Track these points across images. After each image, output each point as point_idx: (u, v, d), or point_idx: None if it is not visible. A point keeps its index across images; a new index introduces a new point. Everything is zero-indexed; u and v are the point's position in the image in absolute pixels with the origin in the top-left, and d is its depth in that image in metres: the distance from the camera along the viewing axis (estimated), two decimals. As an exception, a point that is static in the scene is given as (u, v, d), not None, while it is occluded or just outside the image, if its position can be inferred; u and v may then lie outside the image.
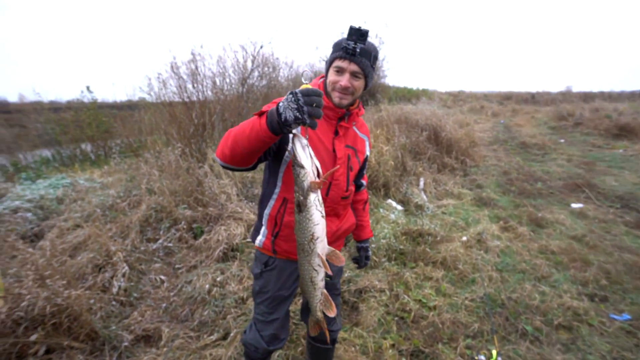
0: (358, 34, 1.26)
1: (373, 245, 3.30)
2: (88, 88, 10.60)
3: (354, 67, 1.31)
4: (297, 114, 0.94)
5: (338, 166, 1.14)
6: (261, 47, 8.31)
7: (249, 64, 9.32)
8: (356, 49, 1.28)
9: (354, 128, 1.52)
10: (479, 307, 2.65)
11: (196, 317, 2.55)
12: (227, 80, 9.46)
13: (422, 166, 6.02)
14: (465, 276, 3.07)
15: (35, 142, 10.81)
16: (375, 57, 1.37)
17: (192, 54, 7.37)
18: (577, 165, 7.40)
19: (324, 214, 1.10)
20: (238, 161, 1.14)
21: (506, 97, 31.29)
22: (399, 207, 4.60)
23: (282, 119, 0.96)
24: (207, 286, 2.80)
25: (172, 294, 2.85)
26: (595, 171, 6.84)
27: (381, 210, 4.35)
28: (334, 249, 1.18)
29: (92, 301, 2.49)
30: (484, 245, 3.68)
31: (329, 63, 1.40)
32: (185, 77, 7.86)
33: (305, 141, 1.03)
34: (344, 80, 1.33)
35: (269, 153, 1.28)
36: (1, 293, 1.88)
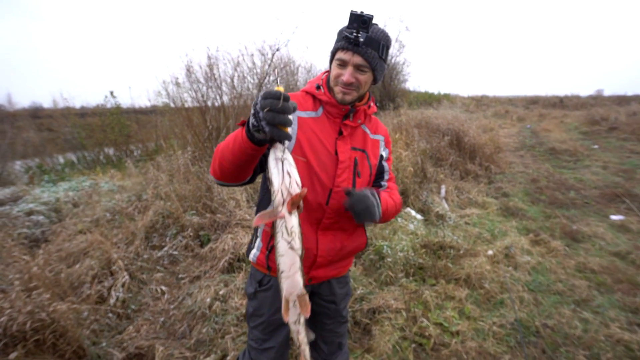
0: (359, 21, 1.08)
1: (389, 260, 3.03)
2: (112, 93, 10.81)
3: (357, 59, 1.13)
4: (254, 120, 0.86)
5: (305, 189, 0.90)
6: (277, 49, 8.21)
7: (266, 68, 9.24)
8: (359, 38, 1.09)
9: (364, 128, 1.30)
10: (509, 334, 2.33)
11: (194, 334, 2.36)
12: (245, 84, 9.42)
13: (444, 173, 5.69)
14: (493, 297, 2.75)
15: (62, 145, 11.14)
16: (386, 47, 1.17)
17: (208, 57, 7.32)
18: (615, 173, 6.84)
19: (295, 246, 0.89)
20: (229, 177, 1.07)
21: (532, 101, 30.15)
22: (419, 217, 4.30)
23: (247, 128, 0.89)
24: (208, 300, 2.60)
25: (172, 306, 2.67)
26: (635, 180, 6.28)
27: (399, 219, 4.06)
28: (303, 293, 0.93)
29: (85, 314, 2.35)
30: (513, 260, 3.34)
31: (332, 54, 1.21)
32: (202, 80, 7.84)
33: (280, 153, 0.88)
34: (347, 74, 1.15)
35: (265, 163, 1.07)
36: (-20, 307, 1.74)
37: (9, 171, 8.45)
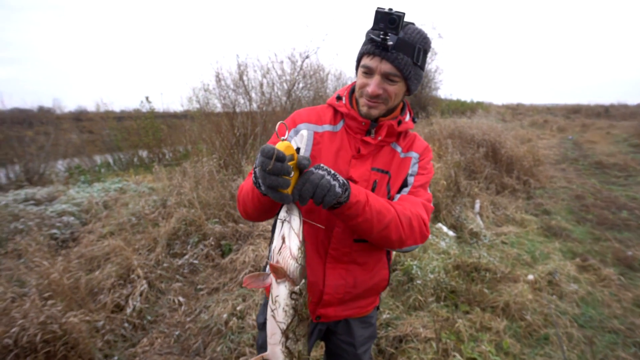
0: (387, 20, 0.90)
1: (418, 282, 2.79)
2: (147, 98, 11.21)
3: (386, 66, 0.96)
4: (253, 178, 0.88)
5: (296, 285, 0.81)
6: (307, 57, 8.17)
7: (295, 75, 9.24)
8: (387, 41, 0.92)
9: (395, 147, 1.12)
10: (557, 378, 2.05)
11: (208, 352, 2.24)
12: (274, 91, 9.46)
13: (478, 186, 5.35)
14: (535, 330, 2.45)
15: (100, 147, 11.67)
16: (422, 51, 0.99)
17: (238, 64, 7.39)
18: (673, 191, 6.18)
19: (277, 317, 0.82)
20: (256, 217, 1.04)
21: (573, 111, 28.46)
22: (451, 233, 4.02)
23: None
24: (225, 315, 2.49)
25: (188, 319, 2.59)
26: (699, 200, 5.63)
27: (429, 235, 3.80)
28: None
29: (101, 323, 2.30)
30: (558, 289, 3.00)
31: (357, 60, 1.05)
32: (232, 86, 7.93)
33: (283, 213, 0.84)
34: (373, 84, 0.99)
35: None
36: (-8, 316, 1.71)
37: (50, 170, 8.90)
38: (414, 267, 2.95)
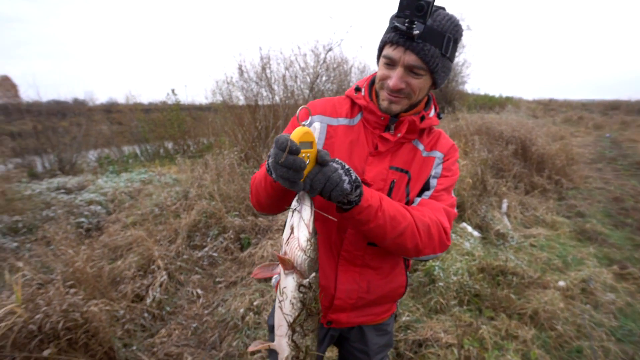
0: (413, 6, 0.81)
1: (440, 284, 2.68)
2: (173, 91, 11.44)
3: (410, 57, 0.88)
4: (267, 166, 0.87)
5: (306, 278, 0.79)
6: (330, 49, 8.06)
7: (318, 68, 9.15)
8: (412, 30, 0.84)
9: (417, 144, 1.03)
10: (591, 394, 1.91)
11: (224, 346, 2.24)
12: (297, 84, 9.42)
13: (506, 185, 5.11)
14: (567, 342, 2.30)
15: (129, 138, 12.06)
16: (452, 41, 0.90)
17: (261, 56, 7.38)
18: None
19: (284, 309, 0.80)
20: (268, 209, 1.00)
21: (611, 107, 26.82)
22: (476, 234, 3.85)
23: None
24: (242, 310, 2.48)
25: (206, 312, 2.60)
26: None
27: (453, 236, 3.67)
28: None
29: (121, 312, 2.35)
30: (592, 298, 2.81)
31: (379, 49, 0.96)
32: (255, 79, 7.95)
33: (295, 202, 0.81)
34: (395, 77, 0.90)
35: None
36: (18, 302, 1.75)
37: (82, 160, 9.26)
38: (436, 268, 2.84)
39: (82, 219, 3.96)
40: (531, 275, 2.99)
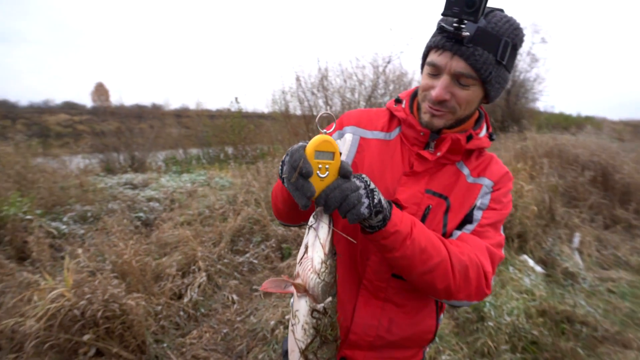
0: (464, 3, 0.69)
1: (490, 324, 2.38)
2: (236, 99, 12.13)
3: (458, 63, 0.75)
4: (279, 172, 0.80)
5: (320, 304, 0.72)
6: (389, 62, 7.93)
7: (376, 79, 9.05)
8: (461, 31, 0.72)
9: (461, 167, 0.89)
10: None
11: (250, 357, 2.20)
12: (354, 96, 9.42)
13: (580, 217, 4.49)
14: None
15: (194, 141, 13.01)
16: (510, 46, 0.76)
17: (319, 68, 7.50)
18: None
19: (296, 334, 0.72)
20: (287, 219, 0.95)
21: None
22: (538, 269, 3.41)
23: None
24: (272, 322, 2.43)
25: (238, 318, 2.60)
26: None
27: (510, 268, 3.29)
28: None
29: (159, 307, 2.43)
30: (690, 365, 2.29)
31: (423, 56, 0.85)
32: (312, 90, 8.10)
33: (312, 219, 0.74)
34: (438, 87, 0.78)
35: None
36: (67, 286, 1.88)
37: (151, 160, 10.15)
38: (487, 304, 2.53)
39: (141, 214, 4.27)
40: (607, 328, 2.53)
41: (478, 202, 0.88)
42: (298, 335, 0.72)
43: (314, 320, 0.71)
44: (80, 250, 2.52)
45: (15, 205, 3.13)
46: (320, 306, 0.71)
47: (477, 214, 0.87)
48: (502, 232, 0.90)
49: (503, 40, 0.74)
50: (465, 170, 0.89)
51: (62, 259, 2.66)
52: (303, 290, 0.71)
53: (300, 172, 0.63)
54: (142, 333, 2.05)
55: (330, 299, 0.73)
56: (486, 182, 0.88)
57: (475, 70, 0.75)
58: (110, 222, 3.03)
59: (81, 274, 2.11)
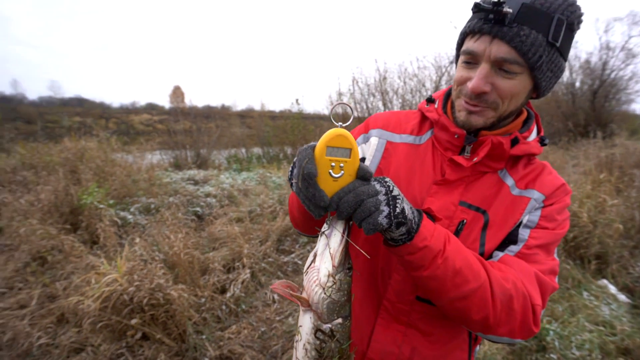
0: None
1: (553, 356, 2.07)
2: (297, 100, 12.47)
3: (499, 47, 0.63)
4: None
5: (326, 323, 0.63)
6: (452, 62, 7.50)
7: (439, 81, 8.63)
8: (502, 7, 0.60)
9: (503, 176, 0.76)
10: None
11: (284, 358, 2.18)
12: (415, 98, 9.09)
13: (682, 240, 3.76)
14: None
15: (256, 141, 13.66)
16: (565, 26, 0.63)
17: (377, 69, 7.38)
18: None
19: (297, 352, 0.65)
20: (303, 228, 0.87)
21: None
22: (622, 298, 2.91)
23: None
24: (308, 325, 2.39)
25: (277, 318, 2.60)
26: None
27: (584, 294, 2.85)
28: None
29: (203, 300, 2.53)
30: None
31: (458, 46, 0.74)
32: (372, 91, 7.97)
33: (325, 225, 0.65)
34: (476, 77, 0.66)
35: None
36: (120, 272, 2.03)
37: (214, 157, 10.84)
38: (551, 332, 2.21)
39: (197, 209, 4.53)
40: None
41: (525, 219, 0.73)
42: (299, 355, 0.65)
43: (317, 342, 0.63)
44: (137, 240, 2.72)
45: (93, 195, 3.51)
46: (326, 327, 0.63)
47: (524, 233, 0.72)
48: (555, 256, 0.74)
49: (556, 17, 0.60)
50: (510, 181, 0.75)
51: (124, 246, 2.91)
52: (306, 304, 0.64)
53: (303, 176, 0.57)
54: (184, 323, 2.14)
55: (339, 320, 0.64)
56: (536, 195, 0.73)
57: (521, 54, 0.62)
58: (165, 215, 3.25)
59: (134, 261, 2.27)
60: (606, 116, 10.77)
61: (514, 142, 0.72)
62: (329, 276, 0.62)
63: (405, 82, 9.07)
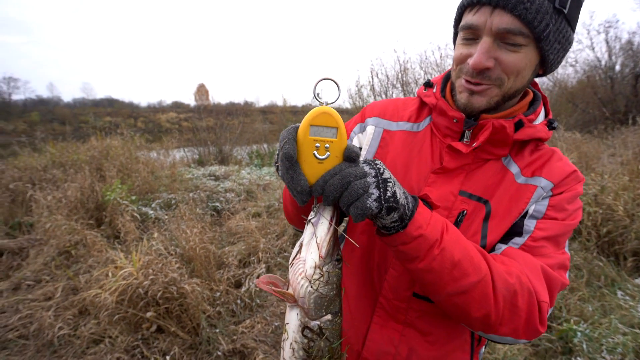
0: None
1: (580, 360, 1.94)
2: (318, 95, 12.54)
3: (502, 18, 0.57)
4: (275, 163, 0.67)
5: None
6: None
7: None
8: None
9: (507, 163, 0.69)
10: None
11: (296, 354, 2.17)
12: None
13: None
14: None
15: (277, 136, 13.84)
16: None
17: (397, 59, 7.20)
18: None
19: (284, 352, 0.60)
20: (297, 223, 0.83)
21: None
22: (661, 298, 2.69)
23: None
24: (322, 320, 2.37)
25: (290, 313, 2.60)
26: None
27: (619, 293, 2.65)
28: None
29: (218, 294, 2.56)
30: None
31: (455, 22, 0.69)
32: (392, 82, 7.80)
33: (312, 213, 0.60)
34: (478, 52, 0.60)
35: None
36: (136, 267, 2.08)
37: (236, 153, 11.00)
38: (578, 334, 2.07)
39: (217, 204, 4.60)
40: None
41: (530, 209, 0.66)
42: (286, 355, 0.61)
43: (305, 341, 0.59)
44: (156, 234, 2.78)
45: (115, 192, 3.63)
46: (314, 324, 0.59)
47: (529, 224, 0.66)
48: (567, 249, 0.67)
49: None
50: (514, 168, 0.68)
51: (147, 240, 2.99)
52: (292, 300, 0.59)
53: (283, 155, 0.53)
54: (197, 316, 2.17)
55: (328, 317, 0.60)
56: (543, 183, 0.66)
57: (526, 23, 0.55)
58: (183, 210, 3.32)
59: (151, 256, 2.32)
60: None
61: (518, 125, 0.65)
62: (315, 268, 0.57)
63: (426, 72, 8.82)
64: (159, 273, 2.09)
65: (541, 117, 0.69)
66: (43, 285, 2.62)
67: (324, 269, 0.58)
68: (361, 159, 0.58)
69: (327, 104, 0.56)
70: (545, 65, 0.62)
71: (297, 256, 0.59)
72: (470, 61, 0.61)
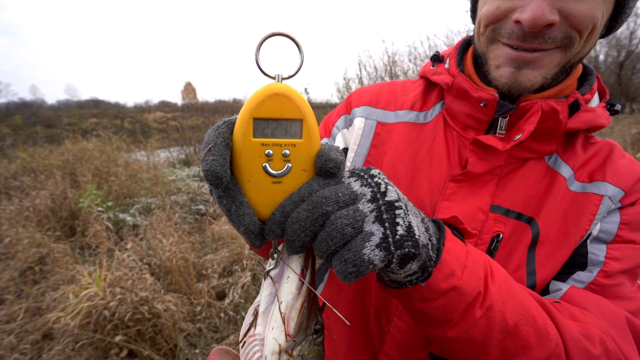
0: None
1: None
2: (305, 90, 12.27)
3: None
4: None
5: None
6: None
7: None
8: None
9: (554, 163, 0.49)
10: None
11: (284, 374, 1.99)
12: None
13: None
14: None
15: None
16: None
17: (385, 50, 7.07)
18: None
19: None
20: (260, 250, 0.60)
21: None
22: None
23: None
24: (312, 334, 2.19)
25: (278, 325, 2.41)
26: None
27: None
28: None
29: (198, 309, 2.36)
30: None
31: None
32: (380, 75, 7.63)
33: (270, 260, 0.39)
34: (536, 1, 0.37)
35: None
36: (100, 286, 1.87)
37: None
38: None
39: (200, 207, 4.37)
40: None
41: (595, 229, 0.47)
42: None
43: None
44: (129, 245, 2.56)
45: (90, 198, 3.39)
46: None
47: (596, 251, 0.47)
48: None
49: None
50: (565, 170, 0.49)
51: (119, 250, 2.76)
52: None
53: (205, 175, 0.31)
54: (174, 337, 1.97)
55: None
56: (610, 190, 0.47)
57: None
58: (159, 217, 3.09)
59: (120, 271, 2.11)
60: (634, 89, 10.03)
61: (573, 108, 0.46)
62: (280, 353, 0.37)
63: (416, 65, 8.68)
64: (127, 292, 1.88)
65: (596, 99, 0.51)
66: (7, 305, 2.38)
67: (295, 353, 0.38)
68: (346, 169, 0.37)
69: (282, 79, 0.34)
70: (615, 21, 0.43)
71: (251, 331, 0.39)
72: (526, 15, 0.39)
